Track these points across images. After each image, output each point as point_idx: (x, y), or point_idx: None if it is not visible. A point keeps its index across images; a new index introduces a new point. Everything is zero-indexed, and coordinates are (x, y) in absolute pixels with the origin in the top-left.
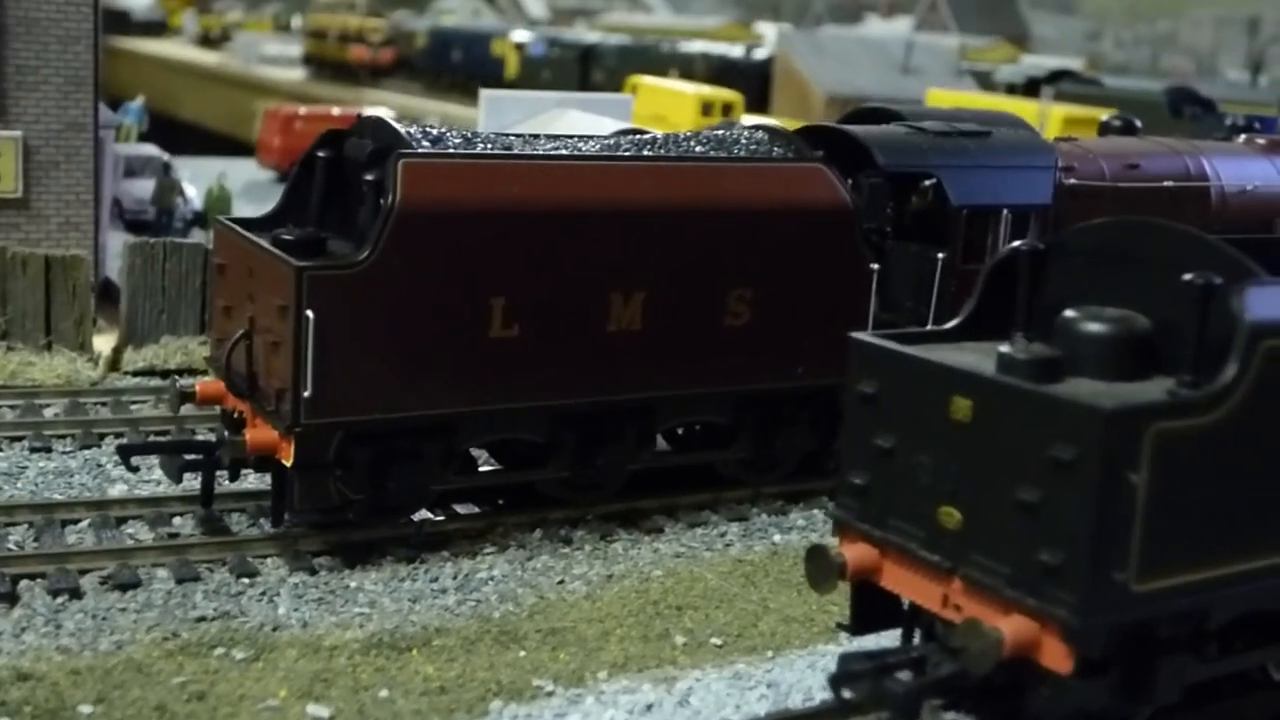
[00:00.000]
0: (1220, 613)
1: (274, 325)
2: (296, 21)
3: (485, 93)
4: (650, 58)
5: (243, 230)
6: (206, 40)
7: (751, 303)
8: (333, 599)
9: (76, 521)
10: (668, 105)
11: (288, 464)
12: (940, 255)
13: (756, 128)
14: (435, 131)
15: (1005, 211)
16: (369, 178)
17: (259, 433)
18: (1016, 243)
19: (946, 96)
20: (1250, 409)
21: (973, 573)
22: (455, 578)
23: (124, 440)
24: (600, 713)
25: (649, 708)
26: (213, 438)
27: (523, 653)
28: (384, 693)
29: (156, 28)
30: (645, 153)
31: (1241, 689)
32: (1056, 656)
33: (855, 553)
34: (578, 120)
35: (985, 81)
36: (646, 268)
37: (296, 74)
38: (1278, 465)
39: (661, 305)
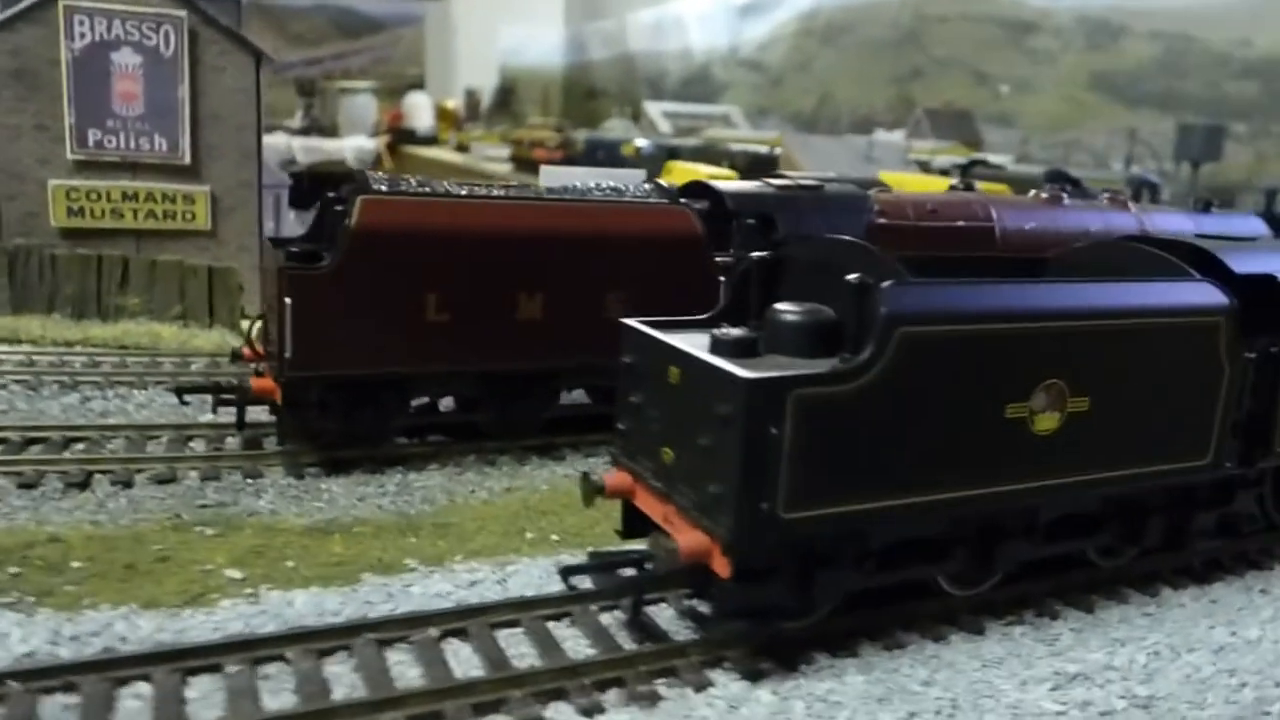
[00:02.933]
0: (875, 538)
1: (274, 308)
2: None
3: (544, 168)
4: (710, 154)
5: (270, 245)
6: (460, 148)
7: (625, 301)
8: (304, 496)
9: (158, 438)
10: (683, 180)
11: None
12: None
13: (651, 182)
14: (398, 180)
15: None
16: (339, 209)
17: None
18: (755, 253)
19: (891, 176)
20: (887, 381)
21: (677, 498)
22: (397, 485)
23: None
24: (438, 584)
25: (473, 583)
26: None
27: (413, 540)
28: (291, 563)
29: (431, 140)
30: (548, 195)
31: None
32: (721, 565)
33: (615, 479)
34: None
35: (925, 167)
36: (545, 275)
37: (505, 168)
38: (913, 426)
39: (557, 301)
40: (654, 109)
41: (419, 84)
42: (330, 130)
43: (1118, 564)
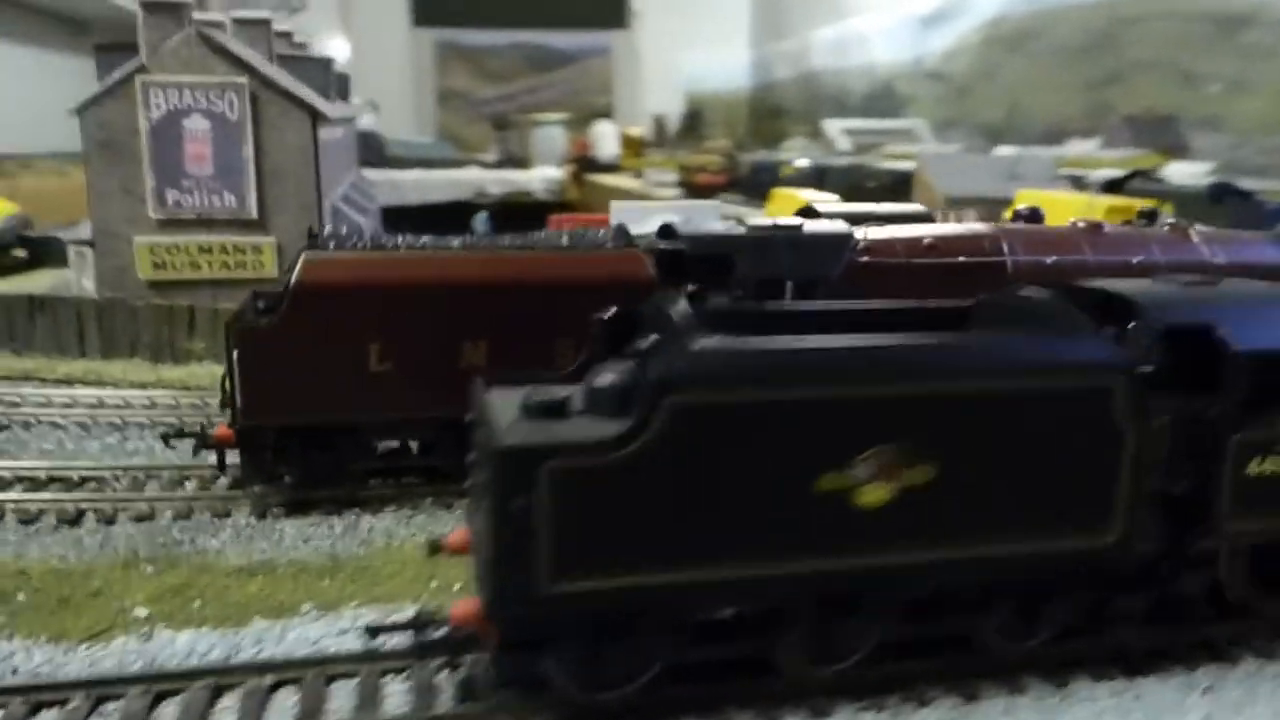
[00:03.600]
0: (671, 613)
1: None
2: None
3: (614, 203)
4: (854, 173)
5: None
6: (637, 174)
7: (575, 348)
8: (256, 537)
9: (159, 477)
10: (779, 208)
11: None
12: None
13: (617, 231)
14: (351, 237)
15: (789, 282)
16: (289, 268)
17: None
18: (603, 313)
19: (1029, 195)
20: (658, 452)
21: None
22: (345, 526)
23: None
24: (316, 630)
25: (345, 631)
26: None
27: (327, 582)
28: (198, 603)
29: (613, 168)
30: (500, 246)
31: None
32: (489, 633)
33: (455, 537)
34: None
35: (1079, 183)
36: (488, 324)
37: (673, 192)
38: (696, 500)
39: (501, 349)
40: (833, 127)
41: (608, 113)
42: (523, 162)
43: (1022, 648)
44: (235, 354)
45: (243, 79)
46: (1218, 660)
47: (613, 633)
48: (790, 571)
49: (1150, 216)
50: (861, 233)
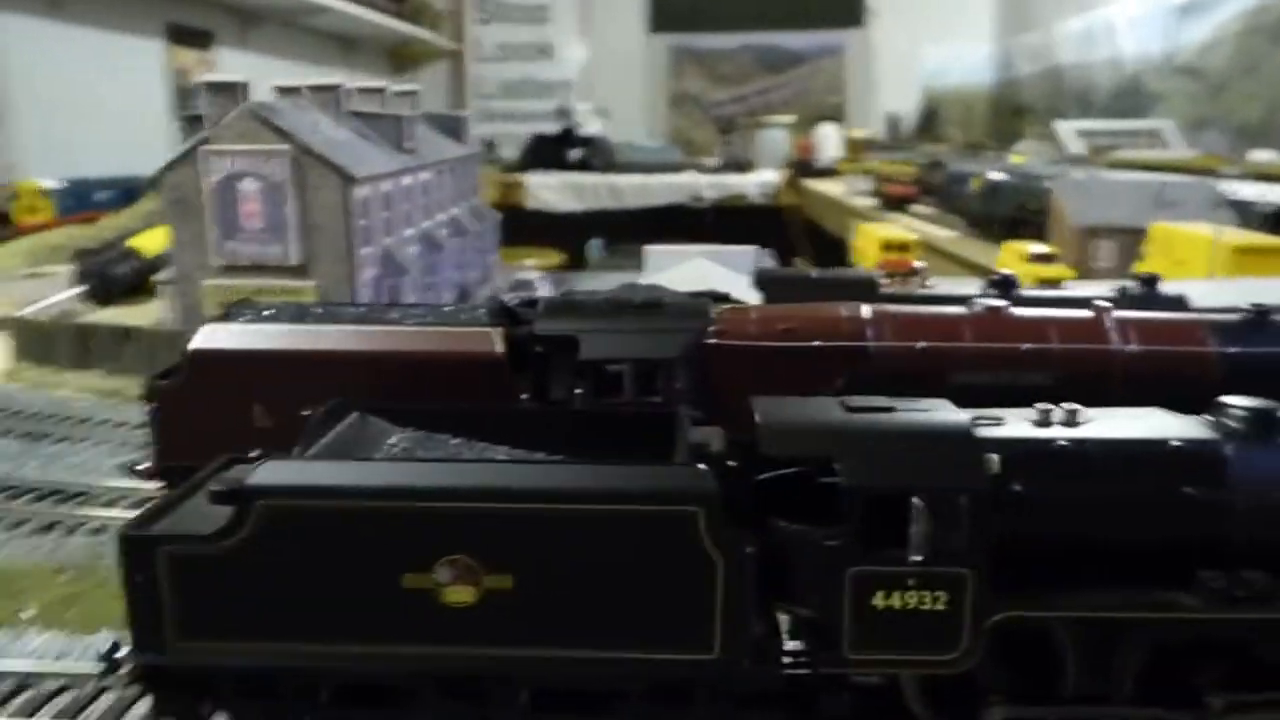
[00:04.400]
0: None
1: None
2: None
3: (647, 248)
4: (1022, 190)
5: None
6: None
7: None
8: None
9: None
10: (865, 242)
11: None
12: (577, 392)
13: (491, 304)
14: (265, 309)
15: (629, 362)
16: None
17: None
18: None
19: (1163, 229)
20: (254, 546)
21: None
22: None
23: None
24: None
25: None
26: None
27: None
28: (72, 611)
29: (830, 172)
30: (378, 318)
31: None
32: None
33: None
34: (700, 268)
35: (1246, 211)
36: (349, 391)
37: (870, 201)
38: (293, 589)
39: None
40: (1065, 128)
41: (838, 114)
42: (746, 166)
43: None
44: (152, 408)
45: (286, 147)
46: None
47: (256, 690)
48: (390, 653)
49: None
50: (718, 309)
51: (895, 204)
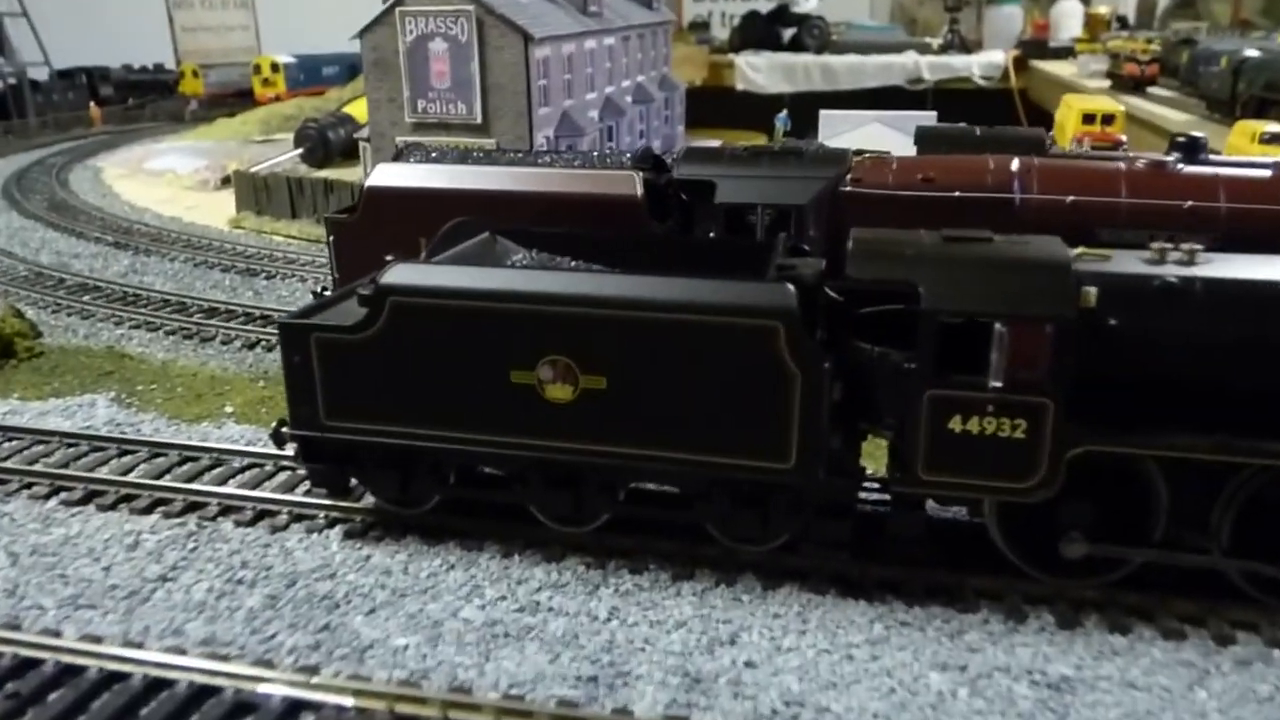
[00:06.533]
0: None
1: None
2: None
3: (823, 112)
4: (1274, 66)
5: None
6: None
7: None
8: None
9: None
10: (1065, 115)
11: None
12: (710, 235)
13: (640, 151)
14: (432, 152)
15: (760, 207)
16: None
17: None
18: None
19: None
20: (385, 337)
21: None
22: None
23: None
24: None
25: None
26: None
27: None
28: (264, 410)
29: (1067, 52)
30: (531, 161)
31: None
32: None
33: None
34: (874, 133)
35: None
36: (504, 225)
37: (1102, 83)
38: (416, 376)
39: None
40: None
41: None
42: (973, 46)
43: (740, 548)
44: (330, 239)
45: (470, 7)
46: (951, 605)
47: (391, 465)
48: (500, 443)
49: (1189, 149)
50: (857, 158)
51: (1130, 85)
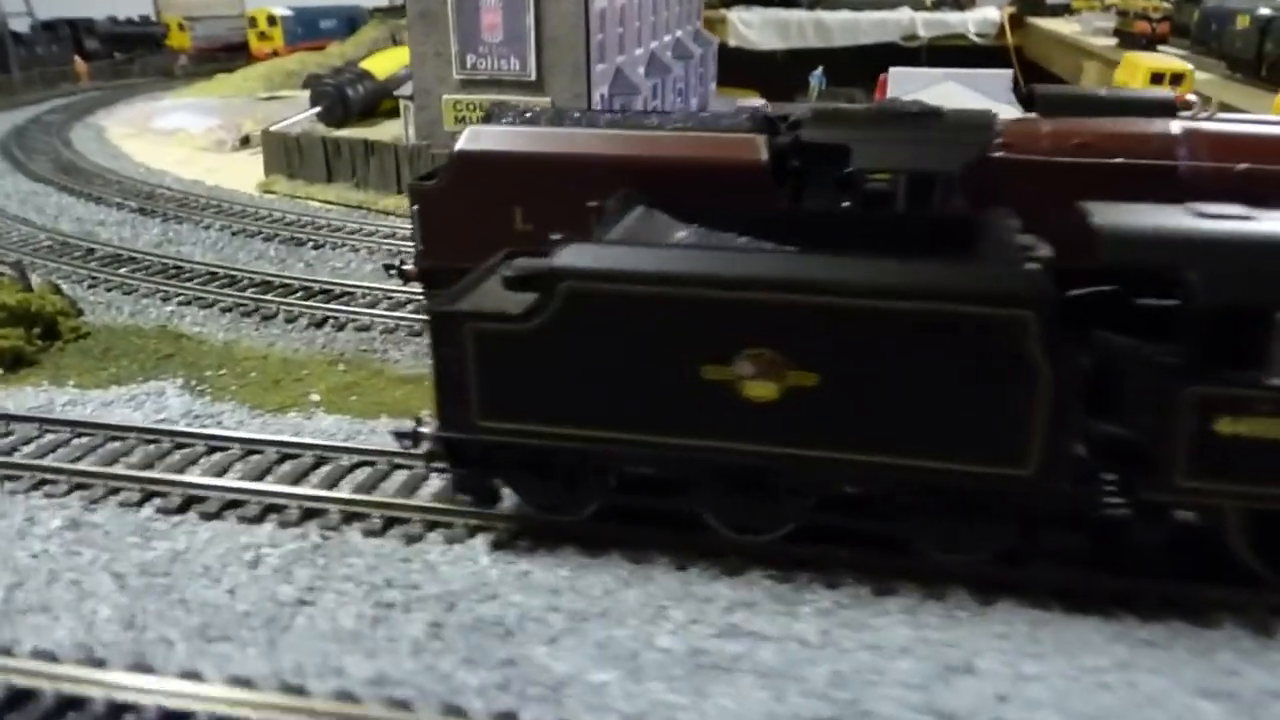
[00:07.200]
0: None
1: None
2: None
3: (893, 69)
4: None
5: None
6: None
7: None
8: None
9: (391, 298)
10: (1129, 74)
11: None
12: (845, 205)
13: (752, 113)
14: (517, 113)
15: (903, 176)
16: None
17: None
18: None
19: None
20: (556, 327)
21: None
22: None
23: None
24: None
25: None
26: None
27: None
28: (354, 398)
29: (1063, 9)
30: (638, 124)
31: None
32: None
33: None
34: (948, 92)
35: None
36: (612, 192)
37: (1108, 41)
38: (590, 370)
39: None
40: None
41: None
42: (966, 2)
43: (949, 558)
44: (414, 208)
45: None
46: (1189, 619)
47: (548, 469)
48: (684, 444)
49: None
50: (1004, 122)
51: (1142, 44)
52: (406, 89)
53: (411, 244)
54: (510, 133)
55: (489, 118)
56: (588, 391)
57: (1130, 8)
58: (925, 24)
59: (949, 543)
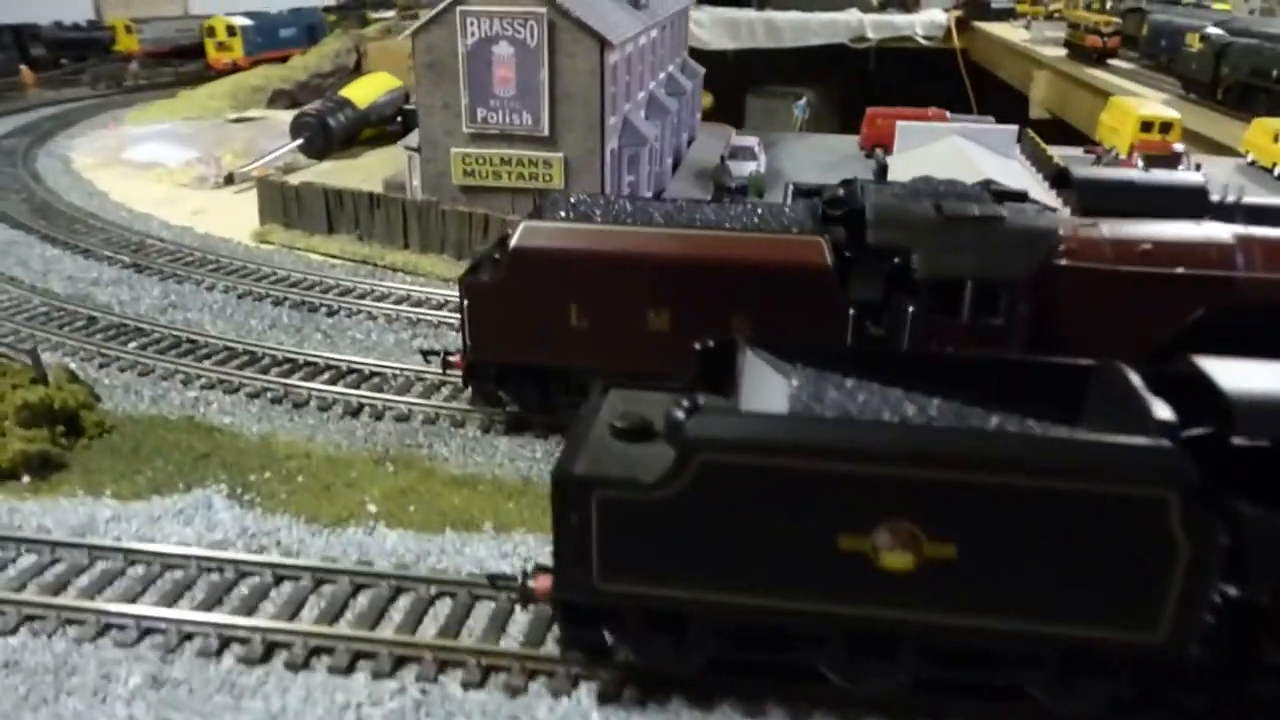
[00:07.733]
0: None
1: None
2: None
3: (900, 124)
4: (1259, 52)
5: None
6: (1027, 25)
7: (749, 324)
8: (475, 449)
9: (424, 380)
10: (1118, 119)
11: None
12: (910, 309)
13: (806, 209)
14: (569, 205)
15: (969, 283)
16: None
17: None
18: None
19: None
20: (688, 497)
21: None
22: (544, 452)
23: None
24: (483, 550)
25: (505, 555)
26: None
27: (511, 504)
28: (413, 508)
29: (1008, 14)
30: (692, 222)
31: None
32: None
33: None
34: (956, 148)
35: None
36: (672, 294)
37: (1058, 52)
38: (723, 539)
39: (683, 318)
40: None
41: None
42: (912, 4)
43: (1065, 709)
44: (465, 303)
45: (542, 9)
46: None
47: (659, 625)
48: (818, 610)
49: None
50: (1067, 228)
51: (1092, 57)
52: (413, 139)
53: (455, 331)
54: (567, 229)
55: (539, 211)
56: (719, 556)
57: (1080, 20)
58: (873, 25)
59: (1063, 693)
